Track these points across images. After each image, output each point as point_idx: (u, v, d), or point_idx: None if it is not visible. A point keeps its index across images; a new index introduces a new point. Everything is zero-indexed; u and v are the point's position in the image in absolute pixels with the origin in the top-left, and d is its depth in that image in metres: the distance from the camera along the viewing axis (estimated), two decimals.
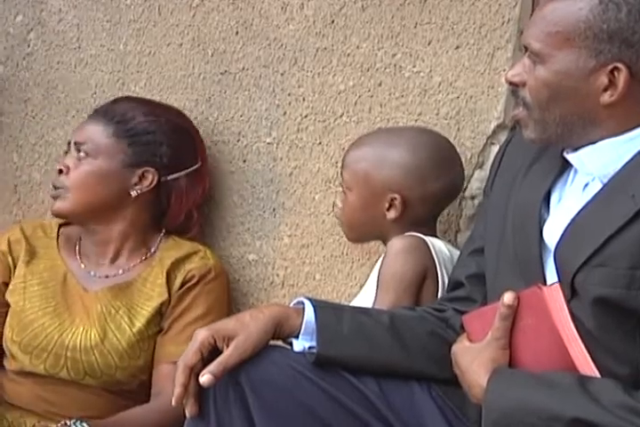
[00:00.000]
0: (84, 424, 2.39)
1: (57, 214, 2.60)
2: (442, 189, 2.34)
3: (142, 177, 2.57)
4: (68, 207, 2.56)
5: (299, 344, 2.08)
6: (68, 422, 2.39)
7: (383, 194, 2.32)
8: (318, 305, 2.09)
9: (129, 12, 2.80)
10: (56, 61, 2.87)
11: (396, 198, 2.31)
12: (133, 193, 2.57)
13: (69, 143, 2.60)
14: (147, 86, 2.75)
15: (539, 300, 1.89)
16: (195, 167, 2.61)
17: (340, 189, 2.41)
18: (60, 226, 2.67)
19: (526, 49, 1.99)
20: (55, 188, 2.58)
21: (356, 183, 2.35)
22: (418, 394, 2.09)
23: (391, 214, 2.31)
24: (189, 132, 2.64)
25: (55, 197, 2.57)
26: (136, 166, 2.57)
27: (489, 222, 2.13)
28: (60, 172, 2.56)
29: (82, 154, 2.56)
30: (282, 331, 2.07)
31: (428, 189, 2.33)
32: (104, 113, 2.60)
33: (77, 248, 2.65)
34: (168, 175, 2.59)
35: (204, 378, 1.97)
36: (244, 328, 2.04)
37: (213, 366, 1.99)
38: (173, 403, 2.01)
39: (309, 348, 2.07)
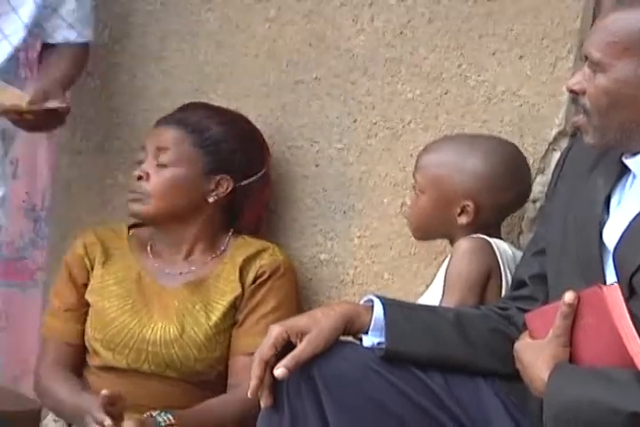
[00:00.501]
0: (169, 415, 2.43)
1: (136, 217, 2.63)
2: (513, 197, 2.35)
3: (218, 184, 2.60)
4: (149, 212, 2.59)
5: (368, 340, 2.09)
6: (154, 414, 2.43)
7: (456, 199, 2.32)
8: (387, 303, 2.10)
9: (208, 26, 2.82)
10: (140, 72, 2.89)
11: (469, 205, 2.31)
12: (210, 199, 2.60)
13: (144, 148, 2.62)
14: (224, 95, 2.76)
15: (599, 299, 1.88)
16: (263, 171, 2.64)
17: (410, 190, 2.41)
18: (129, 228, 2.70)
19: (587, 58, 1.99)
20: (134, 193, 2.59)
21: (429, 187, 2.35)
22: (483, 390, 2.10)
23: (462, 220, 2.32)
24: (257, 138, 2.66)
25: (134, 200, 2.59)
26: (213, 174, 2.59)
27: (551, 225, 2.13)
28: (140, 178, 2.57)
29: (161, 161, 2.58)
30: (352, 327, 2.08)
31: (500, 198, 2.33)
32: (178, 121, 2.62)
33: (149, 248, 2.67)
34: (242, 181, 2.61)
35: (279, 371, 2.00)
36: (316, 324, 2.06)
37: (287, 359, 2.01)
38: (249, 395, 2.03)
39: (378, 343, 2.08)
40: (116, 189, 2.93)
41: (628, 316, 1.87)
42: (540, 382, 1.90)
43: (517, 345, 1.99)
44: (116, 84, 2.93)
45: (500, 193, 2.33)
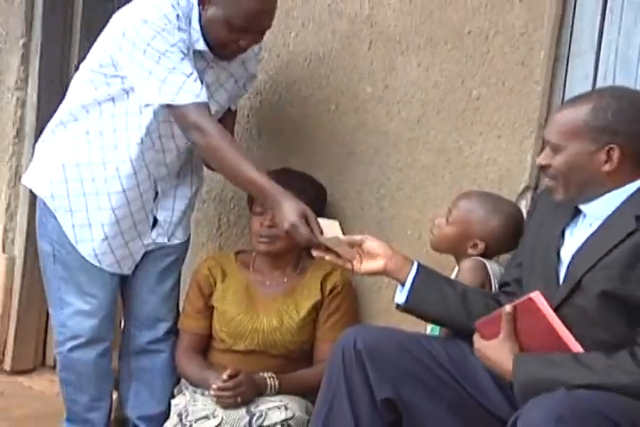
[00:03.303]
0: (272, 374, 2.49)
1: (265, 253, 2.59)
2: (512, 246, 2.31)
3: None
4: (276, 249, 2.58)
5: (399, 297, 2.13)
6: (261, 373, 2.49)
7: (473, 237, 2.31)
8: (423, 269, 2.14)
9: (290, 118, 2.81)
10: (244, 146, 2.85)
11: (480, 244, 2.31)
12: None
13: (258, 204, 2.55)
14: (301, 163, 2.75)
15: (532, 305, 1.91)
16: None
17: (437, 219, 2.37)
18: (236, 254, 2.70)
19: (547, 142, 2.02)
20: (265, 237, 2.56)
21: (458, 223, 2.32)
22: (470, 356, 2.07)
23: (472, 251, 2.31)
24: (325, 191, 2.67)
25: (264, 243, 2.57)
26: None
27: (526, 247, 2.16)
28: (270, 226, 2.52)
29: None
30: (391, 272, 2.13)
31: (503, 245, 2.33)
32: (291, 184, 2.41)
33: (252, 267, 2.66)
34: None
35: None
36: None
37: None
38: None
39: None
40: (229, 224, 2.95)
41: (553, 314, 1.90)
42: (508, 372, 1.92)
43: (478, 346, 2.01)
44: None
45: (504, 243, 2.32)
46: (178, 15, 2.38)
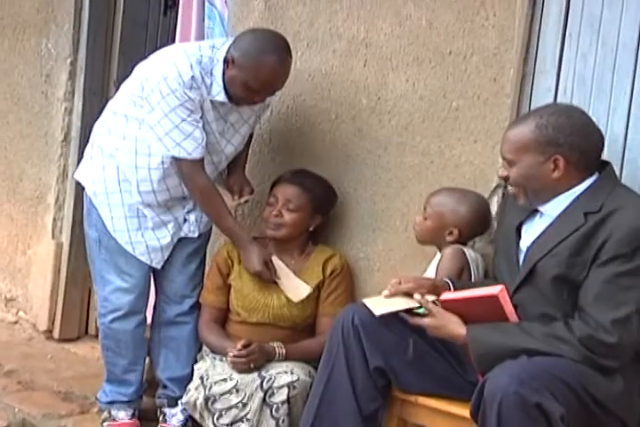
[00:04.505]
0: (280, 344, 2.52)
1: (274, 238, 2.64)
2: (482, 230, 2.39)
3: (316, 220, 2.63)
4: (283, 235, 2.61)
5: None
6: (270, 343, 2.52)
7: (448, 226, 2.35)
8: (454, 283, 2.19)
9: (297, 126, 2.81)
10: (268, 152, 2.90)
11: (455, 231, 2.35)
12: (310, 228, 2.66)
13: (275, 196, 2.61)
14: (308, 164, 2.75)
15: (495, 299, 1.95)
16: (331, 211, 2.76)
17: (417, 215, 2.42)
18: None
19: (504, 158, 2.08)
20: (272, 224, 2.60)
21: (433, 217, 2.37)
22: None
23: (449, 238, 2.36)
24: (335, 194, 2.70)
25: (271, 229, 2.62)
26: (314, 214, 2.64)
27: (501, 236, 2.22)
28: (277, 215, 2.60)
29: (289, 207, 2.60)
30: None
31: (475, 231, 2.39)
32: (299, 183, 2.60)
33: None
34: (323, 217, 2.67)
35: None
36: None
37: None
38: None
39: None
40: (242, 217, 2.95)
41: (512, 308, 1.94)
42: (460, 336, 1.96)
43: (428, 320, 2.02)
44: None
45: (474, 228, 2.38)
46: (193, 76, 2.48)
